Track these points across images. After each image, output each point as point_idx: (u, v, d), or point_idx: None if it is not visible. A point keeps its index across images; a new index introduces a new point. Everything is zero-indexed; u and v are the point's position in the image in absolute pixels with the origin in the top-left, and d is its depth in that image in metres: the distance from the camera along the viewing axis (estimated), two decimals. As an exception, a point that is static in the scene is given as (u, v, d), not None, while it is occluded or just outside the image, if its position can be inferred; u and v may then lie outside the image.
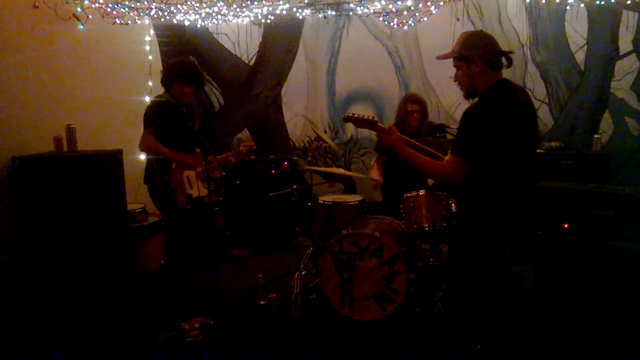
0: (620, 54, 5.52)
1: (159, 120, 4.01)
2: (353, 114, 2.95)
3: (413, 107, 4.60)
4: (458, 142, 2.69)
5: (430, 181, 3.62)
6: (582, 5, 5.46)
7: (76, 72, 4.99)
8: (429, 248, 4.12)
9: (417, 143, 3.10)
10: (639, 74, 5.46)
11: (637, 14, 5.37)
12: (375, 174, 4.70)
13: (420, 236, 4.11)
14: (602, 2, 5.21)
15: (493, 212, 2.70)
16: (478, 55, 2.70)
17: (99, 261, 4.11)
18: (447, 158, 2.76)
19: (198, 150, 4.19)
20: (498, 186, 2.68)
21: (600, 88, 5.61)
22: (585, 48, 5.64)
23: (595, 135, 5.45)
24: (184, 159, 4.06)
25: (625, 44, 5.48)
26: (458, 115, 5.88)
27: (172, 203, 4.03)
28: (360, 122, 2.96)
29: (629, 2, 5.15)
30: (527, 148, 2.76)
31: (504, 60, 2.76)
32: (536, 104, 5.81)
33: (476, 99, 2.82)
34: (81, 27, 4.97)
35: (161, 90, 4.28)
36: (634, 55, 5.46)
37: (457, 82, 2.89)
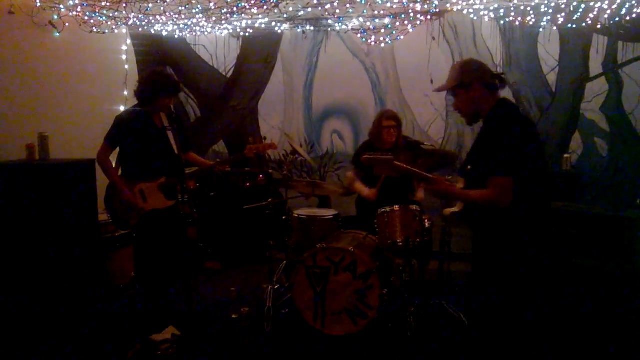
0: (590, 76, 5.66)
1: (124, 135, 3.91)
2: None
3: (389, 123, 4.60)
4: (504, 162, 2.59)
5: (448, 210, 3.44)
6: (555, 28, 5.60)
7: (51, 80, 4.95)
8: (402, 263, 4.15)
9: (415, 170, 3.02)
10: (609, 96, 5.60)
11: (606, 37, 5.53)
12: (366, 191, 4.64)
13: (394, 251, 4.14)
14: (574, 26, 5.35)
15: (520, 228, 2.70)
16: (476, 80, 2.73)
17: (68, 272, 4.04)
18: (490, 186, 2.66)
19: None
20: (528, 203, 2.68)
21: (571, 109, 5.74)
22: (556, 70, 5.77)
23: (565, 155, 5.56)
24: (122, 190, 3.88)
25: (595, 66, 5.63)
26: (432, 133, 6.00)
27: (120, 218, 4.02)
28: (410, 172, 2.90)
29: (599, 26, 5.31)
30: (544, 163, 2.78)
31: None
32: (509, 123, 5.91)
33: (479, 123, 2.82)
34: (57, 34, 4.94)
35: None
36: (603, 78, 5.61)
37: (457, 110, 2.89)
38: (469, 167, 2.82)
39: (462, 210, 2.93)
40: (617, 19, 5.20)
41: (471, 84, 2.75)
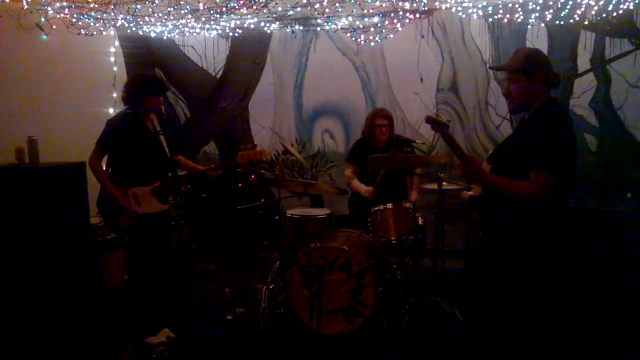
0: (578, 72, 5.70)
1: (116, 139, 3.86)
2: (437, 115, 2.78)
3: (381, 121, 4.64)
4: (551, 160, 2.56)
5: (466, 194, 3.36)
6: (543, 25, 5.63)
7: (39, 83, 4.91)
8: (396, 261, 4.16)
9: (457, 144, 2.90)
10: (597, 91, 5.64)
11: (594, 34, 5.57)
12: (364, 189, 4.65)
13: (388, 249, 4.15)
14: (562, 22, 5.39)
15: (548, 226, 2.68)
16: (541, 72, 2.71)
17: (60, 275, 4.01)
18: (531, 177, 2.63)
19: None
20: (558, 204, 2.67)
21: (560, 105, 5.78)
22: (545, 66, 5.80)
23: (555, 151, 5.58)
24: (114, 195, 3.82)
25: (583, 62, 5.67)
26: (423, 130, 6.01)
27: (113, 221, 3.96)
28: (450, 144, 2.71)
29: (586, 22, 5.36)
30: (574, 169, 2.74)
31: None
32: (498, 120, 5.95)
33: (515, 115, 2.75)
34: (45, 37, 4.90)
35: None
36: (591, 74, 5.65)
37: (507, 94, 2.82)
38: (502, 156, 2.78)
39: (481, 195, 2.87)
40: (604, 15, 5.25)
41: (535, 73, 2.71)
